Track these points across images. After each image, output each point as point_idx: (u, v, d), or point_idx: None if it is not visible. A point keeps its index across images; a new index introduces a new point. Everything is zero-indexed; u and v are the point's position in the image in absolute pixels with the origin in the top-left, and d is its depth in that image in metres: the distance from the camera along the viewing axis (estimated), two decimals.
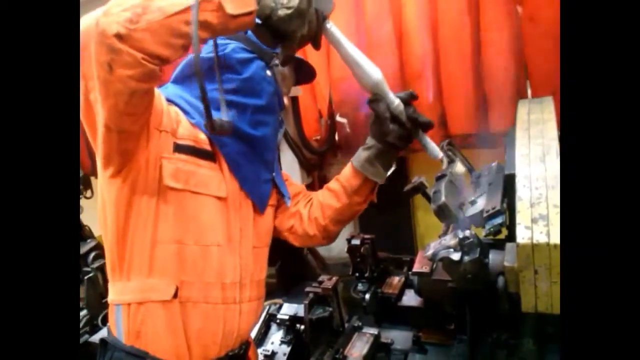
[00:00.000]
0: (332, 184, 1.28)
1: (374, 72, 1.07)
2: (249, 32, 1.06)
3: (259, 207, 1.20)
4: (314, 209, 1.29)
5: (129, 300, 1.03)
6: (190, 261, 1.05)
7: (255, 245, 1.19)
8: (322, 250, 2.29)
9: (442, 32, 2.05)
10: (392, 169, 2.14)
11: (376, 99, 1.10)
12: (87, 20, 0.83)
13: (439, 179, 1.25)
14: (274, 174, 1.25)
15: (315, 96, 2.49)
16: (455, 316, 1.29)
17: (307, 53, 2.25)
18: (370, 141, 1.18)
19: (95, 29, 0.80)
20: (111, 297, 1.07)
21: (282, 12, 0.91)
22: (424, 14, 2.05)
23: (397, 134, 1.12)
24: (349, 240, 1.59)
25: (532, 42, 1.90)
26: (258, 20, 0.91)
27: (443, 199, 1.13)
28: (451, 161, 1.32)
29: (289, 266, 1.96)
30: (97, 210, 1.06)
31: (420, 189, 1.26)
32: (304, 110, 2.26)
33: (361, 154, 1.20)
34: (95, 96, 0.88)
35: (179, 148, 1.03)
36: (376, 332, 1.38)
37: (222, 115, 1.01)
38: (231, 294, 1.11)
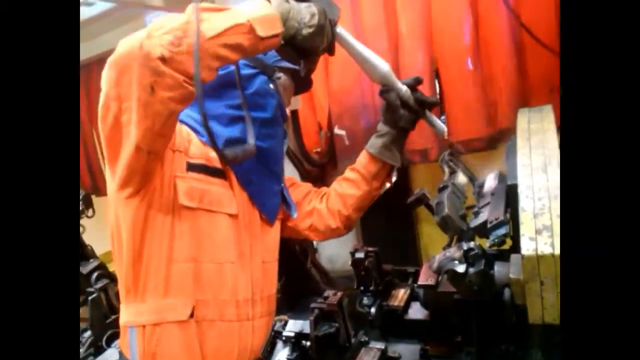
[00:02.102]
0: (349, 173, 1.33)
1: (382, 65, 1.15)
2: None
3: (270, 219, 1.21)
4: (333, 201, 1.32)
5: (144, 322, 1.02)
6: (206, 279, 1.05)
7: (264, 260, 1.20)
8: (325, 263, 2.28)
9: (440, 40, 2.06)
10: (394, 179, 2.15)
11: (386, 89, 1.18)
12: (129, 43, 0.84)
13: (441, 190, 1.25)
14: (282, 184, 1.27)
15: (314, 109, 2.50)
16: (462, 328, 1.28)
17: None
18: (383, 128, 1.26)
19: (139, 51, 0.81)
20: (125, 319, 1.06)
21: (305, 31, 0.96)
22: (420, 24, 2.06)
23: (408, 118, 1.20)
24: (352, 254, 1.58)
25: (531, 49, 1.91)
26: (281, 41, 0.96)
27: (446, 210, 1.12)
28: (453, 172, 1.32)
29: (293, 281, 1.95)
30: (110, 232, 1.06)
31: (423, 200, 1.26)
32: (303, 122, 2.26)
33: (376, 142, 1.26)
34: (128, 117, 0.89)
35: (191, 167, 1.05)
36: (383, 347, 1.36)
37: (249, 140, 1.08)
38: (244, 311, 1.12)
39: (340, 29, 1.09)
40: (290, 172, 2.22)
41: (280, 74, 1.21)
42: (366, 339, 1.40)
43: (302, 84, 1.35)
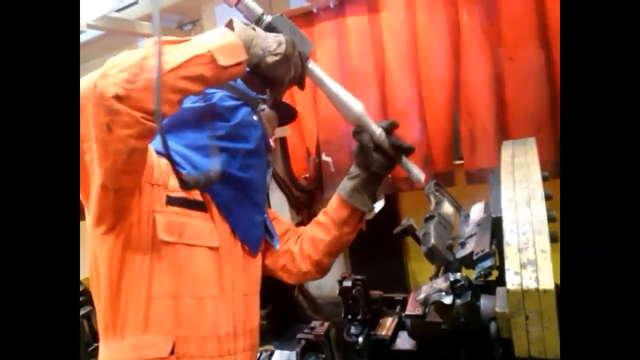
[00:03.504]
0: (321, 217, 1.29)
1: (356, 105, 1.12)
2: (238, 80, 1.08)
3: (253, 251, 1.19)
4: (306, 245, 1.28)
5: None
6: (186, 315, 1.03)
7: (246, 293, 1.17)
8: (313, 290, 2.27)
9: (424, 72, 2.11)
10: (381, 206, 2.15)
11: (360, 130, 1.14)
12: (84, 84, 0.83)
13: (428, 220, 1.26)
14: (265, 215, 1.25)
15: (303, 135, 2.53)
16: (450, 359, 1.27)
17: (295, 93, 2.30)
18: (355, 170, 1.21)
19: (92, 91, 0.80)
20: (103, 358, 1.03)
21: (270, 59, 0.95)
22: (405, 55, 2.12)
23: (381, 163, 1.16)
24: (340, 282, 1.57)
25: (512, 81, 1.97)
26: (247, 69, 0.95)
27: (432, 241, 1.13)
28: (439, 202, 1.34)
29: (280, 309, 1.94)
30: (89, 268, 1.04)
31: (409, 231, 1.27)
32: (292, 149, 2.28)
33: (347, 184, 1.22)
34: (91, 157, 0.88)
35: (171, 200, 1.03)
36: None
37: (214, 165, 1.04)
38: (226, 346, 1.09)
39: (312, 65, 1.08)
40: (279, 198, 2.23)
41: (264, 106, 1.22)
42: None
43: (286, 115, 1.35)
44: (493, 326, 0.92)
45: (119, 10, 2.04)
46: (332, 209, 1.26)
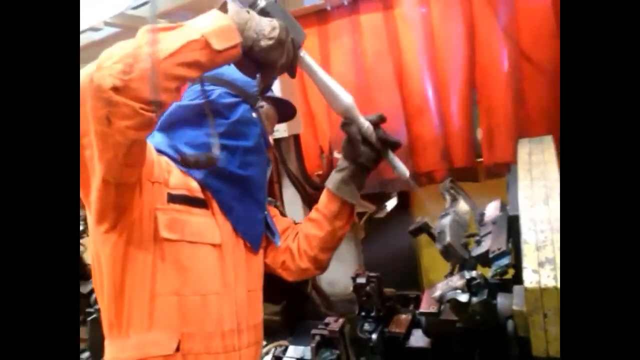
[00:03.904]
0: (313, 213, 1.30)
1: (345, 98, 1.11)
2: (236, 76, 1.09)
3: (254, 247, 1.20)
4: (301, 241, 1.29)
5: (129, 358, 0.99)
6: (191, 312, 1.03)
7: (249, 289, 1.18)
8: (326, 287, 2.27)
9: (441, 68, 2.10)
10: (394, 204, 2.15)
11: (348, 122, 1.14)
12: (82, 78, 0.83)
13: (443, 217, 1.25)
14: (265, 212, 1.25)
15: (316, 132, 2.53)
16: (464, 357, 1.27)
17: (308, 90, 2.31)
18: (343, 163, 1.23)
19: (89, 85, 0.80)
20: (109, 357, 1.03)
21: (264, 42, 0.94)
22: (422, 51, 2.10)
23: (368, 156, 1.18)
24: (354, 279, 1.58)
25: (529, 79, 1.95)
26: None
27: (448, 239, 1.13)
28: (454, 199, 1.33)
29: (293, 305, 1.94)
30: (92, 266, 1.05)
31: (424, 229, 1.26)
32: (305, 146, 2.29)
33: (335, 176, 1.24)
34: (91, 152, 0.87)
35: (172, 198, 1.03)
36: None
37: (214, 150, 1.02)
38: (230, 342, 1.09)
39: (304, 54, 1.07)
40: (291, 194, 2.24)
41: (263, 103, 1.22)
42: None
43: (285, 112, 1.34)
44: (510, 324, 0.91)
45: (135, 8, 2.06)
46: (323, 204, 1.26)
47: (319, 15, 2.29)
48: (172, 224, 1.02)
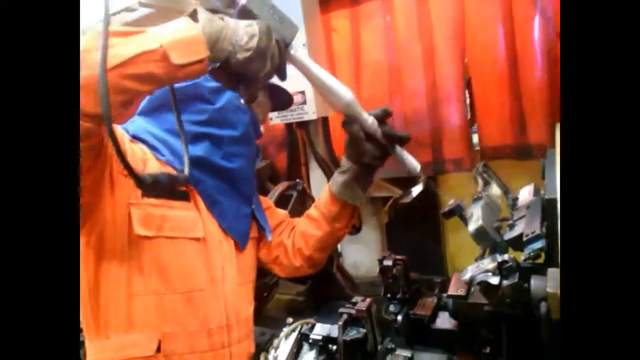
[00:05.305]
0: (312, 211, 1.23)
1: (345, 93, 1.03)
2: None
3: (240, 243, 1.14)
4: (297, 238, 1.24)
5: (110, 359, 0.97)
6: (171, 311, 0.99)
7: (239, 283, 1.14)
8: (349, 269, 2.29)
9: (474, 52, 2.06)
10: (419, 190, 2.13)
11: (349, 120, 1.06)
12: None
13: (476, 201, 1.25)
14: (253, 206, 1.20)
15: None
16: (492, 340, 1.27)
17: (338, 73, 2.29)
18: (346, 163, 1.15)
19: None
20: (91, 358, 1.01)
21: (241, 55, 0.84)
22: (454, 35, 2.06)
23: (373, 154, 1.09)
24: (380, 261, 1.59)
25: None
26: (215, 65, 0.85)
27: (480, 222, 1.13)
28: (487, 183, 1.32)
29: (318, 285, 1.97)
30: None
31: (457, 211, 1.26)
32: (333, 129, 2.28)
33: (337, 179, 1.16)
34: None
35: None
36: (409, 355, 1.37)
37: (186, 170, 0.95)
38: (219, 339, 1.06)
39: (295, 51, 0.98)
40: (319, 176, 2.25)
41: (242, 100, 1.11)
42: (393, 346, 1.41)
43: (280, 99, 1.26)
44: (543, 306, 0.91)
45: None
46: (323, 203, 1.20)
47: None
48: (148, 219, 0.97)
